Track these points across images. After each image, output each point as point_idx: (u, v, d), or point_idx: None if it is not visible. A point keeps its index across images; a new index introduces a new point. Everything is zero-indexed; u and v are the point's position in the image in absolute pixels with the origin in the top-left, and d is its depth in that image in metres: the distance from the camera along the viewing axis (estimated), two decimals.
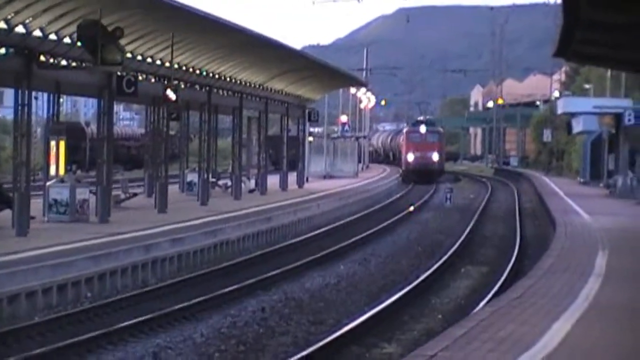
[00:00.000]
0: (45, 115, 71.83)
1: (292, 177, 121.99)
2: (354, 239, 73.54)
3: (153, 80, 76.87)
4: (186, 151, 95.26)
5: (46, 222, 61.37)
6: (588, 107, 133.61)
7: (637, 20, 52.53)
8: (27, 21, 58.41)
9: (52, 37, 61.08)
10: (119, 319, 41.44)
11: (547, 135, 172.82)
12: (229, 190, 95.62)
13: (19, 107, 61.83)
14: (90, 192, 68.45)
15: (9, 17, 56.50)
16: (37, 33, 59.71)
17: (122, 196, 75.07)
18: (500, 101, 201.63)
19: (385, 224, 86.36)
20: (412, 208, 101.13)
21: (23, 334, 38.39)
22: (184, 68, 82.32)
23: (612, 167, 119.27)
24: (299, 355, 33.14)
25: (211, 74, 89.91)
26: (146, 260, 55.77)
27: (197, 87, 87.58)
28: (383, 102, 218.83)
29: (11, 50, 58.03)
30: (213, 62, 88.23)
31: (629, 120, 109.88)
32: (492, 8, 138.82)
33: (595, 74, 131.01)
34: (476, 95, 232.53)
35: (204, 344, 37.63)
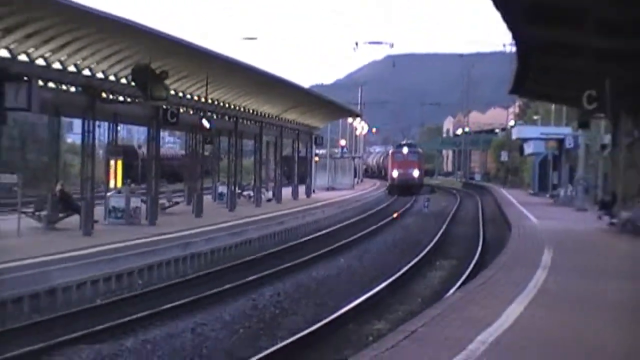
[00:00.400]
0: (105, 140, 71.96)
1: (302, 189, 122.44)
2: (351, 239, 73.66)
3: (191, 112, 77.16)
4: (217, 168, 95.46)
5: (106, 224, 61.53)
6: (536, 134, 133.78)
7: (573, 67, 52.60)
8: (92, 66, 58.68)
9: (112, 78, 61.38)
10: (164, 302, 41.62)
11: (504, 156, 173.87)
12: (252, 199, 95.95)
13: (86, 134, 62.43)
14: (142, 200, 68.74)
15: (78, 62, 56.75)
16: (100, 75, 59.96)
17: (167, 204, 75.20)
18: (466, 129, 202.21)
19: (375, 226, 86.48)
20: (395, 215, 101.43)
21: (89, 313, 38.67)
22: (215, 102, 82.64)
23: (555, 182, 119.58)
24: (307, 331, 33.73)
25: (237, 107, 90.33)
26: (185, 255, 56.08)
27: (226, 117, 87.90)
28: (374, 130, 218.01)
29: (79, 88, 58.29)
30: (239, 97, 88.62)
31: (569, 144, 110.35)
32: (461, 55, 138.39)
33: (542, 108, 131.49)
34: (448, 124, 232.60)
35: (231, 322, 37.96)
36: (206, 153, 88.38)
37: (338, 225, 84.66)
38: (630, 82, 52.97)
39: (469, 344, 24.50)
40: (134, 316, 37.89)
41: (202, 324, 37.18)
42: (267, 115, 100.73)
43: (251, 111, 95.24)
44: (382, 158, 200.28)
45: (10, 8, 46.79)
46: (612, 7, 32.49)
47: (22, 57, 51.35)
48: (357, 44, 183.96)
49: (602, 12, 34.21)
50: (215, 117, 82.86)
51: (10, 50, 50.05)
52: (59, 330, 34.67)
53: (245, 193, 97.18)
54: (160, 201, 71.07)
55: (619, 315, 31.18)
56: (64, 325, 35.91)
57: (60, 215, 60.11)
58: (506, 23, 45.19)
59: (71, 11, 49.55)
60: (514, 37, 50.53)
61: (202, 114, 79.53)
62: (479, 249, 61.24)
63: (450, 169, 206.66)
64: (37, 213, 61.16)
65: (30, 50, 52.26)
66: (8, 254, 44.19)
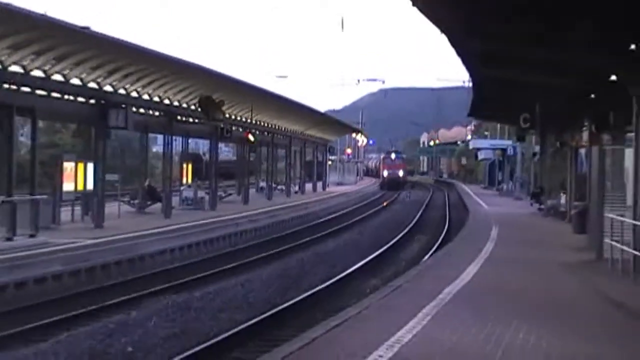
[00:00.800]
0: (180, 149, 72.20)
1: (319, 184, 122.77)
2: (353, 220, 73.80)
3: (240, 129, 77.28)
4: (259, 169, 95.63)
5: (180, 209, 61.72)
6: (487, 145, 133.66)
7: (513, 96, 52.43)
8: (170, 97, 58.90)
9: (184, 105, 61.54)
10: (221, 265, 41.74)
11: (463, 161, 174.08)
12: (283, 191, 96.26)
13: (166, 145, 62.86)
14: (205, 192, 68.98)
15: (160, 94, 56.89)
16: (176, 103, 60.17)
17: (223, 195, 75.44)
18: (437, 142, 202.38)
19: (371, 210, 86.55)
20: (385, 203, 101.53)
21: (167, 274, 38.79)
22: (257, 122, 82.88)
23: (500, 178, 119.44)
24: (323, 285, 33.83)
25: (273, 126, 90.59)
26: (236, 232, 56.14)
27: (265, 133, 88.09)
28: (371, 142, 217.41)
29: (161, 113, 58.48)
30: (274, 119, 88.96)
31: (510, 152, 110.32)
32: (432, 89, 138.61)
33: (491, 126, 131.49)
34: (423, 137, 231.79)
35: (268, 279, 37.89)
36: (251, 158, 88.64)
37: (344, 210, 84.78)
38: (552, 108, 52.97)
39: (439, 294, 24.67)
40: (200, 275, 38.12)
41: (247, 280, 37.26)
42: (294, 132, 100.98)
43: (283, 128, 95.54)
44: (376, 162, 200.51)
45: (112, 56, 46.96)
46: (540, 51, 32.46)
47: (121, 91, 51.51)
48: (359, 80, 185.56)
49: (532, 56, 34.18)
50: (257, 132, 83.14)
51: (112, 86, 50.19)
52: (146, 285, 34.85)
53: (279, 187, 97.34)
54: (218, 193, 71.30)
55: (536, 269, 31.64)
56: (148, 282, 36.12)
57: (148, 203, 60.35)
58: (465, 65, 45.15)
59: (154, 58, 49.80)
60: (471, 75, 50.51)
61: (248, 130, 79.86)
62: (446, 226, 61.35)
63: (425, 169, 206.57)
64: (131, 201, 61.53)
65: (127, 86, 52.39)
66: (111, 231, 44.36)
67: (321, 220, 72.95)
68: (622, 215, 31.08)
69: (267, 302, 30.39)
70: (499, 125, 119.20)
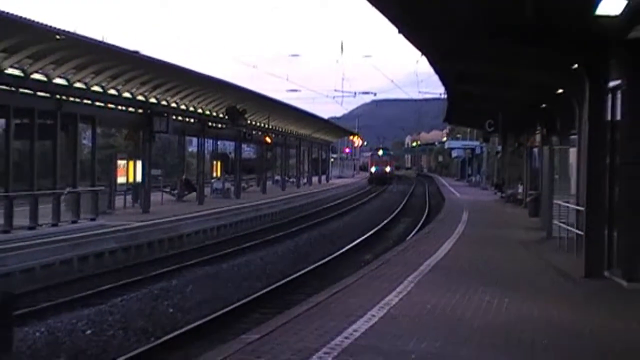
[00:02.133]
0: (210, 149, 72.22)
1: (323, 177, 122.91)
2: (351, 205, 73.64)
3: (260, 133, 77.32)
4: (274, 165, 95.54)
5: (211, 198, 61.67)
6: (459, 145, 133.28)
7: (480, 106, 52.39)
8: (203, 107, 59.04)
9: (214, 114, 61.60)
10: (244, 243, 41.70)
11: (440, 158, 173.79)
12: (294, 183, 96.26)
13: (199, 146, 63.08)
14: (231, 184, 68.98)
15: (195, 105, 56.97)
16: (207, 112, 60.21)
17: (246, 186, 75.51)
18: (418, 143, 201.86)
19: (365, 198, 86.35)
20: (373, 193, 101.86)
21: (201, 250, 38.75)
22: (273, 127, 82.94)
23: (470, 172, 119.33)
24: (328, 258, 34.01)
25: (286, 130, 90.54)
26: (256, 216, 56.08)
27: (279, 136, 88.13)
28: (365, 143, 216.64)
29: (196, 120, 58.53)
30: (287, 124, 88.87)
31: (478, 151, 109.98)
32: (415, 100, 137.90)
33: (462, 129, 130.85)
34: (408, 139, 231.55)
35: (283, 253, 38.21)
36: (268, 157, 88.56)
37: (343, 199, 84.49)
38: (512, 116, 53.06)
39: (421, 265, 24.73)
40: (227, 250, 38.17)
41: (265, 255, 37.34)
42: (303, 135, 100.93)
43: (294, 132, 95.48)
44: (368, 159, 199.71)
45: (156, 75, 47.03)
46: (501, 71, 32.48)
47: (163, 102, 51.62)
48: (355, 93, 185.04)
49: (495, 75, 34.22)
50: (273, 135, 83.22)
51: (156, 99, 50.36)
52: (184, 259, 34.93)
53: (290, 180, 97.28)
54: (242, 184, 71.29)
55: (498, 245, 31.49)
56: (186, 256, 36.19)
57: (185, 192, 60.39)
58: (441, 81, 45.22)
59: (189, 76, 49.88)
60: (446, 89, 50.56)
61: (266, 134, 79.95)
62: (426, 211, 61.19)
63: (409, 165, 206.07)
64: (171, 191, 61.63)
65: (168, 98, 52.51)
66: (156, 215, 44.44)
67: (324, 206, 72.69)
68: (567, 202, 31.13)
69: (281, 273, 30.50)
70: (468, 129, 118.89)
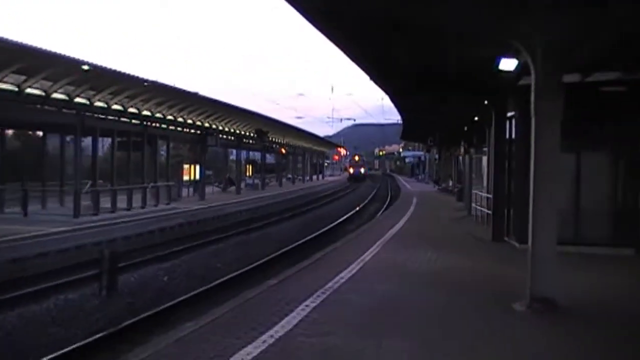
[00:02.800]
0: (244, 157, 71.75)
1: (320, 176, 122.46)
2: (339, 195, 72.89)
3: (277, 146, 77.14)
4: (288, 168, 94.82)
5: (245, 190, 61.49)
6: (410, 154, 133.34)
7: (423, 129, 52.22)
8: (239, 130, 58.84)
9: (247, 134, 61.49)
10: (267, 219, 41.53)
11: (398, 162, 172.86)
12: (301, 180, 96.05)
13: (237, 155, 63.00)
14: (258, 180, 68.92)
15: (235, 128, 56.90)
16: (243, 132, 60.14)
17: (268, 182, 75.20)
18: (382, 152, 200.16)
19: (349, 190, 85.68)
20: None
21: (240, 223, 38.64)
22: (287, 142, 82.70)
23: (417, 172, 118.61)
24: (324, 229, 33.81)
25: (296, 145, 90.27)
26: (275, 202, 55.68)
27: (291, 148, 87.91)
28: (347, 152, 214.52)
29: (234, 138, 58.41)
30: (297, 140, 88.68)
31: (423, 158, 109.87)
32: (381, 125, 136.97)
33: (412, 144, 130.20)
34: (377, 150, 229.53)
35: (293, 227, 37.48)
36: (283, 162, 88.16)
37: (333, 190, 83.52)
38: (445, 135, 53.02)
39: (384, 235, 24.81)
40: (255, 225, 38.09)
41: (281, 228, 37.21)
42: (306, 147, 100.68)
43: (300, 145, 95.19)
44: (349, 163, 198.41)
45: (209, 108, 47.13)
46: (436, 105, 32.57)
47: (213, 126, 51.68)
48: (341, 119, 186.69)
49: (433, 108, 34.22)
50: (286, 148, 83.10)
51: (209, 124, 50.44)
52: (228, 230, 34.96)
53: (298, 178, 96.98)
54: (265, 181, 71.05)
55: (435, 220, 31.48)
56: (229, 228, 36.13)
57: (228, 186, 60.36)
58: (398, 111, 45.15)
59: (232, 109, 49.94)
60: (401, 116, 50.44)
61: (281, 147, 79.79)
62: (389, 199, 60.74)
63: (377, 167, 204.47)
64: (219, 185, 61.59)
65: (217, 124, 52.60)
66: (209, 202, 44.45)
67: (320, 195, 71.86)
68: (480, 192, 31.30)
69: (292, 240, 30.46)
70: (416, 143, 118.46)
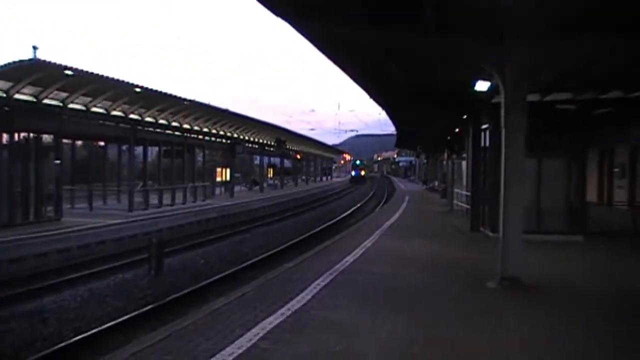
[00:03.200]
0: (266, 162, 71.40)
1: (329, 177, 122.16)
2: (344, 192, 72.77)
3: (294, 152, 77.02)
4: (302, 171, 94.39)
5: (267, 188, 61.45)
6: (403, 159, 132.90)
7: (414, 140, 52.13)
8: (262, 139, 58.72)
9: (268, 142, 61.34)
10: (287, 212, 41.60)
11: (393, 166, 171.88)
12: (313, 180, 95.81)
13: (260, 160, 62.73)
14: (278, 181, 68.86)
15: (259, 138, 56.86)
16: (265, 141, 60.03)
17: (286, 182, 74.89)
18: (380, 158, 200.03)
19: (353, 188, 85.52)
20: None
21: (264, 216, 38.64)
22: (301, 150, 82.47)
23: (409, 174, 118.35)
24: (329, 223, 33.40)
25: (308, 152, 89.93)
26: (292, 198, 55.59)
27: (304, 154, 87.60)
28: (351, 158, 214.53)
29: (258, 146, 58.31)
30: (309, 148, 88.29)
31: (413, 162, 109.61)
32: (379, 135, 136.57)
33: (405, 151, 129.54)
34: (375, 156, 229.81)
35: (307, 219, 37.31)
36: (298, 166, 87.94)
37: (339, 189, 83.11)
38: (431, 143, 52.99)
39: (382, 226, 24.81)
40: (276, 217, 38.12)
41: (297, 220, 37.27)
42: (318, 154, 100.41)
43: (312, 152, 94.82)
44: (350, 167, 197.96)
45: (237, 122, 47.17)
46: (423, 120, 32.61)
47: (241, 137, 51.70)
48: (346, 130, 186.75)
49: (421, 122, 34.25)
50: (301, 154, 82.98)
51: (237, 135, 50.41)
52: (254, 222, 35.01)
53: (311, 179, 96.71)
54: (284, 181, 70.91)
55: (424, 214, 31.38)
56: (255, 220, 36.18)
57: (253, 186, 60.36)
58: (393, 123, 45.13)
59: (256, 123, 49.92)
60: (396, 128, 50.37)
61: (297, 153, 79.68)
62: (386, 196, 60.60)
63: (376, 170, 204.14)
64: (246, 185, 61.53)
65: (243, 134, 52.61)
66: (238, 199, 44.47)
67: (329, 192, 71.74)
68: (461, 190, 31.29)
69: (307, 230, 30.58)
70: (409, 150, 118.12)
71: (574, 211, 21.08)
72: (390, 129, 63.73)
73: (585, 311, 11.12)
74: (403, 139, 61.40)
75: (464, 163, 32.55)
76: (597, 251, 18.45)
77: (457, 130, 32.79)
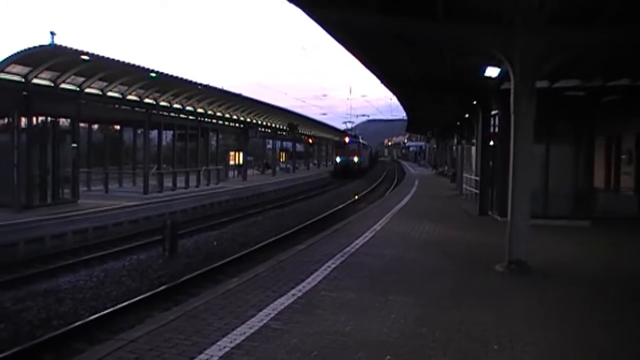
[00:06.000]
0: (279, 146, 71.05)
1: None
2: (354, 177, 72.41)
3: (305, 137, 76.79)
4: (314, 155, 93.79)
5: (279, 172, 61.30)
6: (413, 144, 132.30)
7: (424, 123, 51.95)
8: (274, 124, 58.61)
9: (280, 127, 61.18)
10: (298, 195, 41.63)
11: (403, 151, 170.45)
12: (325, 165, 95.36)
13: (273, 145, 62.22)
14: (289, 165, 68.70)
15: (271, 122, 56.76)
16: (278, 126, 59.88)
17: (297, 166, 74.42)
18: (391, 143, 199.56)
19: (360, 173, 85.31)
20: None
21: (275, 199, 38.64)
22: (313, 134, 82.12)
23: (419, 159, 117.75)
24: (327, 213, 32.85)
25: (320, 136, 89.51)
26: (304, 182, 55.35)
27: (316, 138, 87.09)
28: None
29: (271, 131, 58.22)
30: (320, 132, 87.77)
31: (423, 147, 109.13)
32: (390, 120, 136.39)
33: (415, 136, 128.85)
34: (385, 141, 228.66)
35: (318, 202, 37.24)
36: (310, 150, 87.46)
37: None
38: (442, 129, 52.85)
39: (391, 210, 24.81)
40: (288, 200, 38.13)
41: (310, 202, 37.28)
42: (328, 138, 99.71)
43: (324, 137, 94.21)
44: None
45: (251, 106, 47.11)
46: (435, 105, 32.50)
47: (254, 121, 51.65)
48: (357, 115, 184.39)
49: (432, 107, 34.16)
50: (313, 138, 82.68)
51: (250, 119, 50.35)
52: (265, 205, 35.04)
53: (322, 163, 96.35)
54: (295, 165, 70.67)
55: (433, 198, 31.28)
56: (267, 203, 36.22)
57: (266, 170, 60.36)
58: (404, 109, 44.94)
59: (269, 107, 49.84)
60: (407, 113, 50.10)
61: (308, 137, 79.36)
62: (396, 180, 60.45)
63: (387, 155, 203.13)
64: (258, 169, 61.55)
65: (256, 119, 52.55)
66: (251, 182, 44.45)
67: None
68: (470, 175, 31.23)
69: (316, 213, 30.55)
70: (419, 135, 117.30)
71: (581, 196, 21.06)
72: (401, 114, 63.70)
73: (591, 295, 11.13)
74: (413, 124, 61.14)
75: (473, 148, 32.40)
76: (604, 236, 18.42)
77: (466, 115, 32.66)
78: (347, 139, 77.32)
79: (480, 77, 17.71)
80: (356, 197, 40.89)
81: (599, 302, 10.63)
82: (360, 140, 79.49)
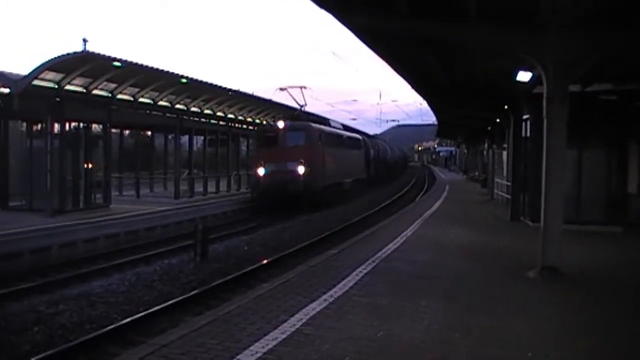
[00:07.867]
0: None
1: None
2: (378, 181, 71.75)
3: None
4: None
5: None
6: (444, 149, 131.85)
7: (455, 129, 51.72)
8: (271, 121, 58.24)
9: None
10: (328, 204, 41.32)
11: (433, 156, 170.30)
12: None
13: None
14: None
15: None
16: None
17: None
18: (421, 148, 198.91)
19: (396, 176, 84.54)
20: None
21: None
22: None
23: (450, 164, 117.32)
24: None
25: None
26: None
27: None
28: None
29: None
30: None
31: (454, 152, 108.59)
32: (419, 125, 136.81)
33: (445, 140, 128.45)
34: (416, 146, 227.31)
35: (344, 209, 36.47)
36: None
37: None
38: (472, 133, 52.50)
39: (423, 215, 24.72)
40: (320, 207, 37.91)
41: (340, 209, 36.94)
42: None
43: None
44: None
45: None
46: (465, 110, 32.31)
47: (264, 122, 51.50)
48: (387, 120, 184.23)
49: (461, 114, 33.96)
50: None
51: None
52: (294, 211, 34.86)
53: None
54: None
55: (464, 203, 31.12)
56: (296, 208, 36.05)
57: None
58: (434, 114, 44.80)
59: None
60: (437, 118, 49.90)
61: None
62: (426, 185, 59.98)
63: (417, 159, 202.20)
64: None
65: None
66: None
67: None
68: (501, 180, 31.04)
69: (346, 220, 30.37)
70: (449, 140, 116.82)
71: (614, 202, 20.89)
72: (431, 119, 63.05)
73: (624, 303, 10.92)
74: (443, 128, 60.84)
75: (504, 153, 32.20)
76: (637, 242, 18.14)
77: (497, 120, 32.44)
78: (280, 124, 34.47)
79: (512, 81, 17.59)
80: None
81: (633, 310, 10.43)
82: (337, 124, 47.23)
